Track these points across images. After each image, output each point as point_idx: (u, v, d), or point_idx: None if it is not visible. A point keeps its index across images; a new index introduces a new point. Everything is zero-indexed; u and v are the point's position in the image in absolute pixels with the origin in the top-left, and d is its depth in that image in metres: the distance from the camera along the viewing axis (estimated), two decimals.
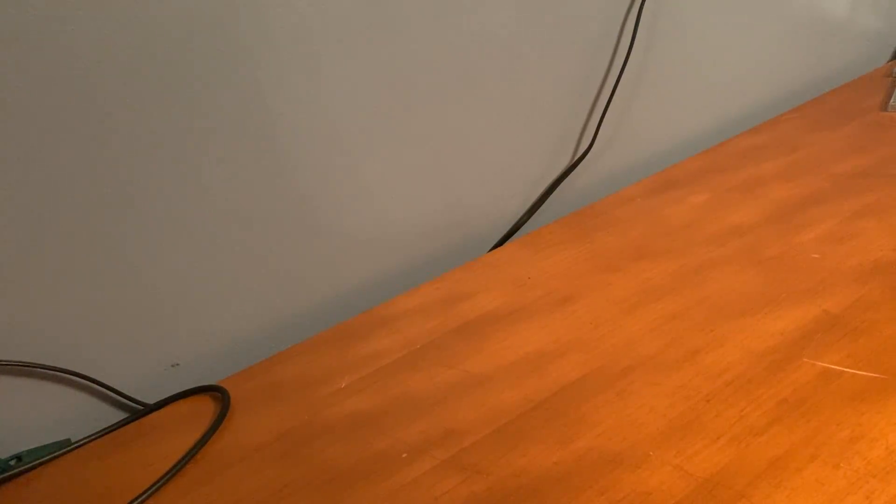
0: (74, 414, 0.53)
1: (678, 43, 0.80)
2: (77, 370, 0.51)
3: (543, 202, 0.75)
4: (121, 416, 0.54)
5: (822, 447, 0.36)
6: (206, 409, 0.51)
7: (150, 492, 0.43)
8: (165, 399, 0.54)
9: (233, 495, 0.42)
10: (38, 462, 0.48)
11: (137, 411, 0.54)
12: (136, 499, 0.42)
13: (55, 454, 0.49)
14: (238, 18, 0.50)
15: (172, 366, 0.57)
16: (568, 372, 0.46)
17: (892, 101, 0.88)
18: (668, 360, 0.45)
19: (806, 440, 0.37)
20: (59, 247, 0.48)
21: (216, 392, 0.53)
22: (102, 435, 0.51)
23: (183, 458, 0.45)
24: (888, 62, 1.09)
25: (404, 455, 0.43)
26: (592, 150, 0.76)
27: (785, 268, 0.54)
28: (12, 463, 0.48)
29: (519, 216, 0.74)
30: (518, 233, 0.74)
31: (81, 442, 0.50)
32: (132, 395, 0.54)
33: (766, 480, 0.35)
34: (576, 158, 0.76)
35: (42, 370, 0.50)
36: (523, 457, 0.40)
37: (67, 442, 0.51)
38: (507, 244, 0.68)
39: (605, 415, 0.42)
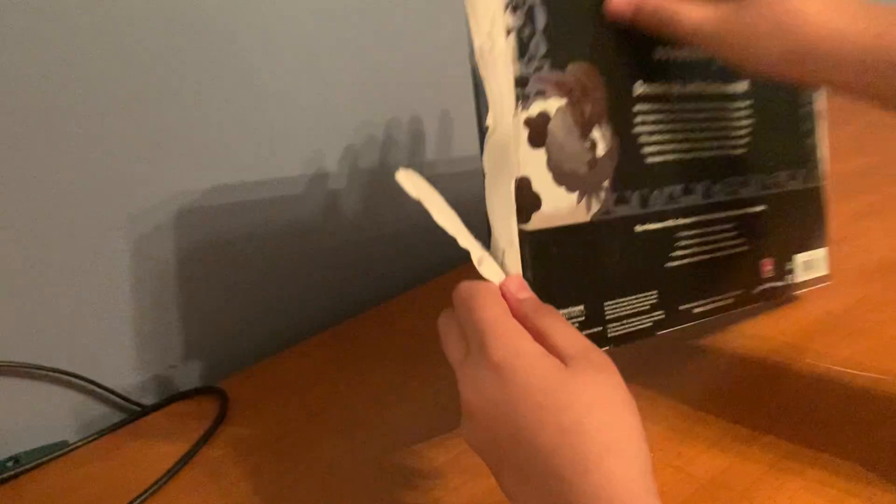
0: (72, 415, 0.52)
1: None
2: (75, 371, 0.51)
3: None
4: (119, 417, 0.54)
5: (824, 449, 0.36)
6: (204, 410, 0.51)
7: (148, 493, 0.43)
8: (164, 400, 0.53)
9: (232, 496, 0.42)
10: (35, 464, 0.48)
11: (135, 413, 0.53)
12: (135, 500, 0.42)
13: (52, 456, 0.49)
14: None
15: (171, 367, 0.56)
16: None
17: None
18: (668, 360, 0.45)
19: (808, 441, 0.37)
20: (59, 246, 0.48)
21: (215, 393, 0.52)
22: (100, 436, 0.51)
23: (181, 460, 0.45)
24: None
25: (404, 455, 0.42)
26: None
27: None
28: (9, 464, 0.48)
29: None
30: None
31: (79, 443, 0.50)
32: (130, 397, 0.54)
33: (768, 482, 0.35)
34: None
35: (40, 371, 0.50)
36: None
37: (65, 443, 0.50)
38: None
39: None
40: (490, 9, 0.29)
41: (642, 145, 0.34)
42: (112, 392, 0.53)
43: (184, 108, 0.50)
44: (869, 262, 0.53)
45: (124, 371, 0.54)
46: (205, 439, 0.47)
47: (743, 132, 0.39)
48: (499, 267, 0.32)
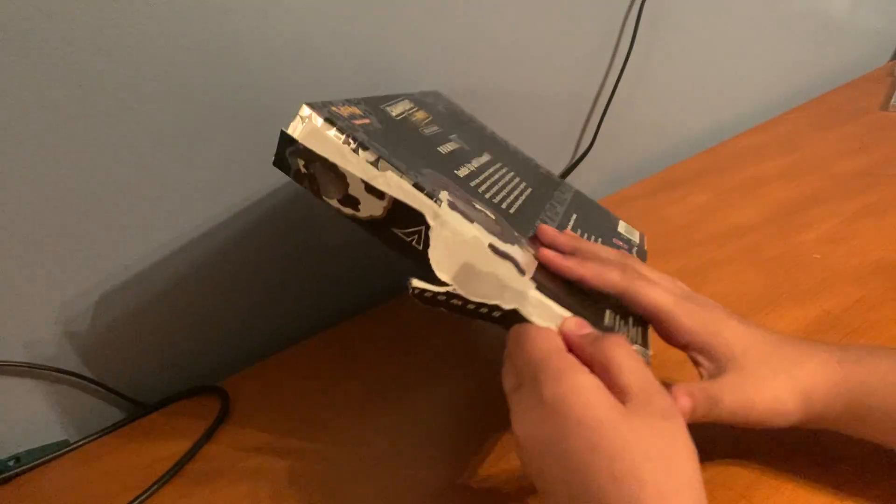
0: (73, 414, 0.53)
1: (678, 43, 0.80)
2: (76, 371, 0.51)
3: None
4: (120, 416, 0.54)
5: (823, 447, 0.36)
6: (205, 409, 0.51)
7: (149, 492, 0.43)
8: (165, 399, 0.54)
9: (232, 496, 0.42)
10: (36, 463, 0.48)
11: (136, 412, 0.53)
12: (136, 499, 0.42)
13: (54, 455, 0.49)
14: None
15: (171, 366, 0.56)
16: None
17: (892, 101, 0.88)
18: (669, 360, 0.45)
19: (807, 442, 0.37)
20: (58, 245, 0.48)
21: (215, 392, 0.52)
22: (101, 436, 0.51)
23: (182, 459, 0.45)
24: (888, 62, 1.09)
25: (403, 455, 0.43)
26: (592, 150, 0.76)
27: (786, 268, 0.54)
28: (11, 464, 0.48)
29: None
30: None
31: (80, 443, 0.50)
32: (131, 396, 0.54)
33: (766, 482, 0.35)
34: (575, 158, 0.76)
35: (40, 371, 0.50)
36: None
37: (66, 443, 0.50)
38: None
39: None
40: (341, 154, 0.33)
41: (498, 203, 0.40)
42: (113, 391, 0.53)
43: (189, 104, 0.50)
44: (867, 261, 0.53)
45: (125, 370, 0.54)
46: (205, 439, 0.47)
47: (519, 179, 0.47)
48: (549, 312, 0.33)
